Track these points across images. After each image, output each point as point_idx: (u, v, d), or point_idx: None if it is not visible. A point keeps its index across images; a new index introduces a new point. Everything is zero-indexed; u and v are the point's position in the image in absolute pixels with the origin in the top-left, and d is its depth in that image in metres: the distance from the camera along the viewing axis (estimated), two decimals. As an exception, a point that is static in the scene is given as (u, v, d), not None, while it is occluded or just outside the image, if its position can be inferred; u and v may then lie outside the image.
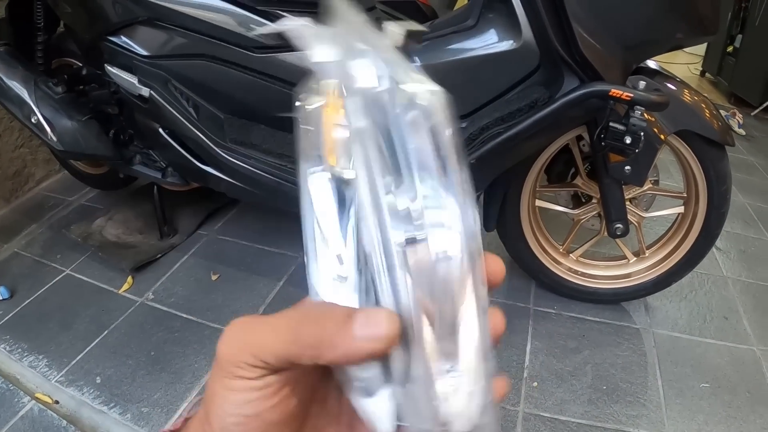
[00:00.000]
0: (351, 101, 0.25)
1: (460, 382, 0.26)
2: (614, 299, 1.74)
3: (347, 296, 0.28)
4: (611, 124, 1.30)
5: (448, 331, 0.26)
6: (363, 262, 0.27)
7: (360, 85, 0.25)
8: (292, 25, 0.26)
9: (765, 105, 3.34)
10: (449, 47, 1.37)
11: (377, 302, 0.26)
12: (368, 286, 0.28)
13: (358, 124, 0.25)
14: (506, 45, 1.31)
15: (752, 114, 3.40)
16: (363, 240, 0.27)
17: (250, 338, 0.26)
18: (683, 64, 4.23)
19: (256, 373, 0.26)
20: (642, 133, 1.27)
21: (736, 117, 3.23)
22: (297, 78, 1.27)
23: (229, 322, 0.28)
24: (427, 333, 0.25)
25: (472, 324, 0.26)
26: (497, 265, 0.29)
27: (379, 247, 0.25)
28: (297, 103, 0.28)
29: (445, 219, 0.25)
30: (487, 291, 0.27)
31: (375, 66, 0.25)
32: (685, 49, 4.21)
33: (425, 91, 0.25)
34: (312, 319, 0.26)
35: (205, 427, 0.29)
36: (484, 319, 0.26)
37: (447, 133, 0.25)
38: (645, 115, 1.29)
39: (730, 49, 3.60)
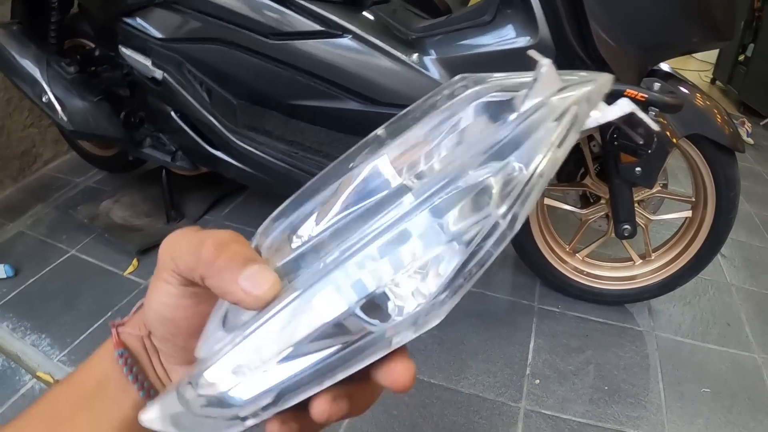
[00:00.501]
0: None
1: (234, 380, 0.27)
2: (618, 301, 1.74)
3: (285, 254, 0.29)
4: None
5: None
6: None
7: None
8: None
9: (774, 115, 3.34)
10: (465, 42, 1.37)
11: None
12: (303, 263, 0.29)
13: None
14: (522, 41, 1.31)
15: (761, 123, 3.39)
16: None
17: (174, 246, 0.29)
18: (694, 71, 4.22)
19: (175, 279, 0.29)
20: (655, 134, 1.27)
21: (745, 126, 3.22)
22: (312, 66, 1.27)
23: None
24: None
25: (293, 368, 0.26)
26: (405, 372, 0.27)
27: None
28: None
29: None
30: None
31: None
32: (696, 57, 4.22)
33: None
34: (219, 244, 0.28)
35: (142, 318, 0.33)
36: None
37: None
38: (658, 117, 1.29)
39: (741, 57, 3.58)
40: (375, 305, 0.26)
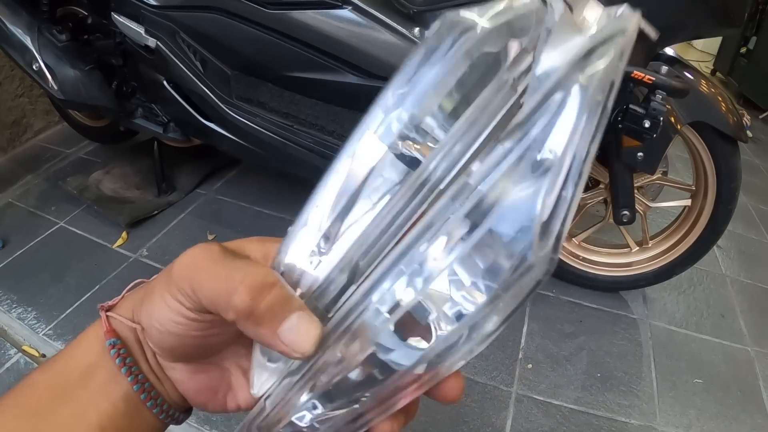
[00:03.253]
0: None
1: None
2: (614, 287, 1.73)
3: (314, 273, 0.27)
4: (631, 106, 1.27)
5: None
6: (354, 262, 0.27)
7: None
8: None
9: (774, 109, 3.32)
10: None
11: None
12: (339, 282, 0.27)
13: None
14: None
15: (760, 117, 3.38)
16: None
17: (195, 274, 0.26)
18: (694, 61, 4.16)
19: (189, 304, 0.26)
20: (661, 118, 1.25)
21: (744, 119, 3.20)
22: (309, 37, 1.22)
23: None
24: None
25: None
26: (455, 388, 0.27)
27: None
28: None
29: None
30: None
31: None
32: (697, 47, 4.19)
33: None
34: (254, 291, 0.25)
35: (135, 309, 0.30)
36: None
37: None
38: (664, 102, 1.26)
39: (743, 50, 3.56)
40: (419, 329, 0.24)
